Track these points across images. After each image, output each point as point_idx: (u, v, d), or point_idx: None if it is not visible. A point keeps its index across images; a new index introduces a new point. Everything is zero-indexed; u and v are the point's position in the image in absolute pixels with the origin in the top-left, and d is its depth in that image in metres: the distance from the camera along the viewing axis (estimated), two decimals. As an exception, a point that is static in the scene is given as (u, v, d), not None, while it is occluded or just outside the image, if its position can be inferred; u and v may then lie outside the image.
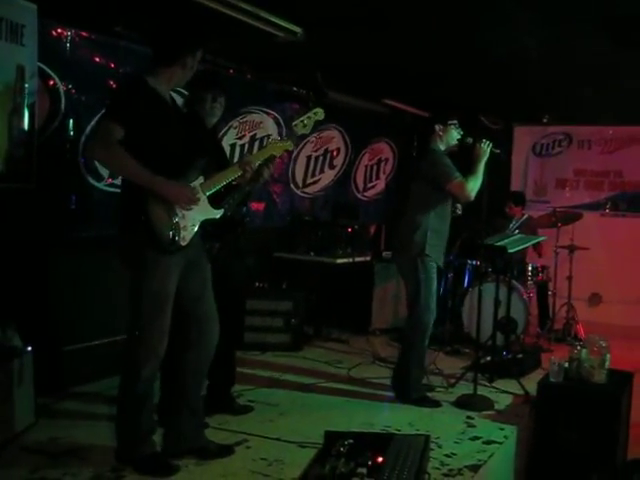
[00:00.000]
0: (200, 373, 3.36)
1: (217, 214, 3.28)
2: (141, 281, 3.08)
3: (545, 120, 8.16)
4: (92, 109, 4.41)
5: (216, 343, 3.33)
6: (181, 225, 3.09)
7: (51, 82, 4.29)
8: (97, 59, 4.58)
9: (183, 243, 3.10)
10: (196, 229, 3.17)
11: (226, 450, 3.45)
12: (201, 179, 3.19)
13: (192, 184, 3.15)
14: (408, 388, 4.48)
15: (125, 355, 3.19)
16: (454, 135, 4.50)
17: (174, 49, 3.14)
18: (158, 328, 3.10)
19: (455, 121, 4.51)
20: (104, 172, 4.61)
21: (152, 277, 3.06)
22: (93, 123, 4.42)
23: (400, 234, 4.54)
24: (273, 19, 4.32)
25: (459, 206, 4.68)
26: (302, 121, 3.55)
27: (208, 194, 3.22)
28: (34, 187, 4.11)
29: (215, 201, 3.29)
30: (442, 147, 4.53)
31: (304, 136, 5.20)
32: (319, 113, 3.60)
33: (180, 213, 3.09)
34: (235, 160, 5.39)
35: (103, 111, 3.04)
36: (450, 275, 6.50)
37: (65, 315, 4.35)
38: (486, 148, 4.36)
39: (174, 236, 3.06)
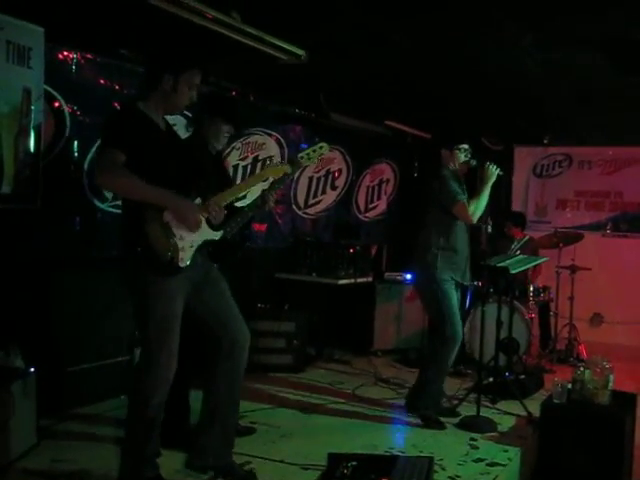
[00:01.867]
0: (234, 386, 3.35)
1: (216, 236, 3.27)
2: (146, 306, 3.06)
3: (545, 141, 8.22)
4: (97, 131, 4.39)
5: (247, 350, 3.36)
6: (179, 246, 3.08)
7: (56, 104, 4.32)
8: (102, 81, 4.62)
9: (182, 264, 3.08)
10: (194, 250, 3.15)
11: (252, 477, 3.41)
12: (198, 201, 3.18)
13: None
14: (419, 400, 4.53)
15: (134, 380, 3.16)
16: (461, 158, 4.61)
17: (154, 72, 3.15)
18: (166, 352, 3.07)
19: (464, 145, 4.61)
20: (108, 193, 4.62)
21: (156, 301, 3.05)
22: (98, 145, 4.43)
23: (415, 255, 4.61)
24: (277, 42, 4.37)
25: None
26: (307, 154, 3.64)
27: (207, 216, 3.21)
28: (39, 208, 4.13)
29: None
30: (453, 169, 4.63)
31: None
32: (324, 148, 3.68)
33: (178, 234, 3.08)
34: (238, 182, 5.42)
35: (99, 141, 3.03)
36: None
37: (68, 336, 4.35)
38: (493, 171, 4.45)
39: (172, 257, 3.06)
